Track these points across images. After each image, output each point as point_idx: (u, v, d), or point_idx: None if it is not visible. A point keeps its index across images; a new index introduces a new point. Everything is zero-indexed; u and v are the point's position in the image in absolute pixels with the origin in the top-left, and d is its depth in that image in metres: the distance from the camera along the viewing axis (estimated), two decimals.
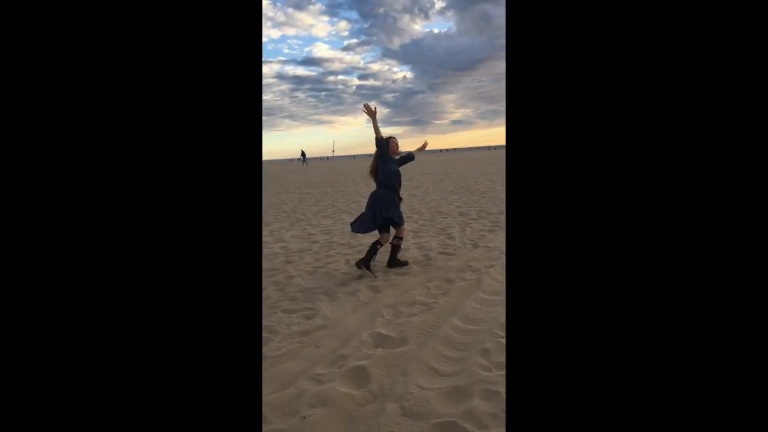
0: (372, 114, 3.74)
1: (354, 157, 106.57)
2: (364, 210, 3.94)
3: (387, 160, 3.83)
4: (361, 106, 3.78)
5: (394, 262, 4.05)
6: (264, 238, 5.81)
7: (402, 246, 4.17)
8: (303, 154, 30.79)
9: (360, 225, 3.83)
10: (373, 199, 3.82)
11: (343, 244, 5.37)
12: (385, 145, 3.84)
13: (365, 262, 3.80)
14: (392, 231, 4.00)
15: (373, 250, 3.83)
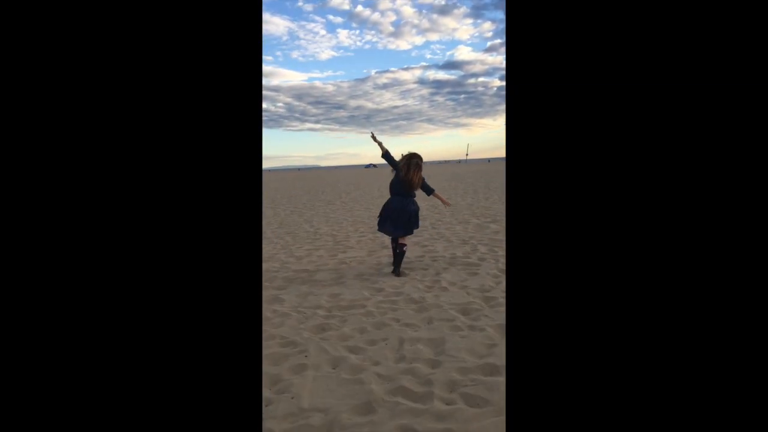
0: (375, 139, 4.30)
1: (489, 160, 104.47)
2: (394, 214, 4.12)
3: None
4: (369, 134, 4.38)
5: (399, 268, 4.17)
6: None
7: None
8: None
9: (388, 227, 4.13)
10: (408, 208, 4.07)
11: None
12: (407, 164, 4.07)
13: (396, 268, 4.10)
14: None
15: (400, 254, 4.10)
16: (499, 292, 3.40)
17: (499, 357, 2.31)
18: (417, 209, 4.13)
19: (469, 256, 4.71)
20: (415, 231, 4.31)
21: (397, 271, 4.08)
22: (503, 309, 3.05)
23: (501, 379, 2.08)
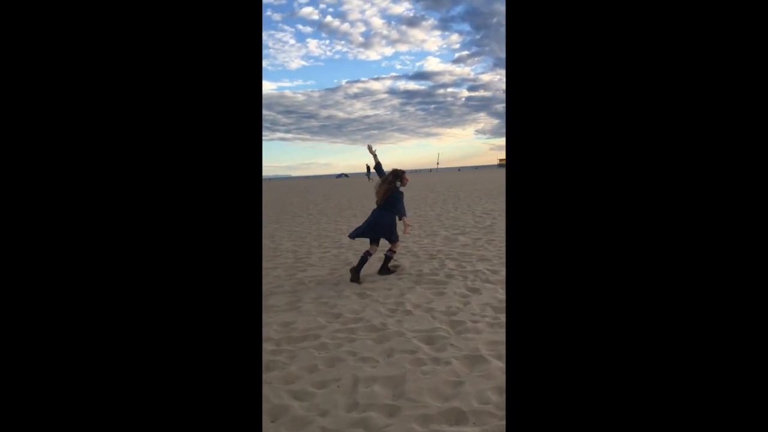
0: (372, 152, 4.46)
1: (459, 169, 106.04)
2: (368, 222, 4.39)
3: (401, 196, 4.33)
4: (366, 146, 4.55)
5: (386, 270, 4.47)
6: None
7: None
8: (368, 168, 30.88)
9: (365, 236, 4.35)
10: (377, 220, 4.29)
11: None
12: (397, 183, 4.31)
13: (355, 271, 4.27)
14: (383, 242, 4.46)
15: (363, 259, 4.30)
16: (467, 315, 3.12)
17: (465, 399, 2.01)
18: (389, 221, 4.27)
19: (436, 272, 4.44)
20: (384, 242, 4.47)
21: (356, 277, 4.25)
22: (471, 335, 2.77)
23: (468, 430, 1.79)
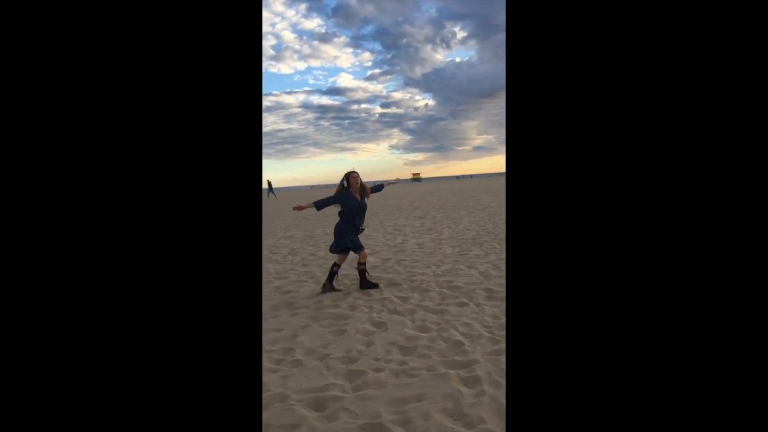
0: (300, 208, 4.36)
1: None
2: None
3: (346, 199, 4.20)
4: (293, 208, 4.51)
5: (366, 285, 4.28)
6: None
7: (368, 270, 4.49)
8: (269, 184, 29.61)
9: (337, 250, 4.28)
10: (338, 233, 4.26)
11: None
12: (344, 183, 4.27)
13: (328, 282, 4.26)
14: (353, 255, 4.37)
15: (331, 272, 4.29)
16: (368, 362, 2.58)
17: None
18: (339, 229, 4.25)
19: (337, 303, 3.86)
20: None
21: (326, 287, 4.24)
22: (371, 391, 2.23)
23: None
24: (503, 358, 2.51)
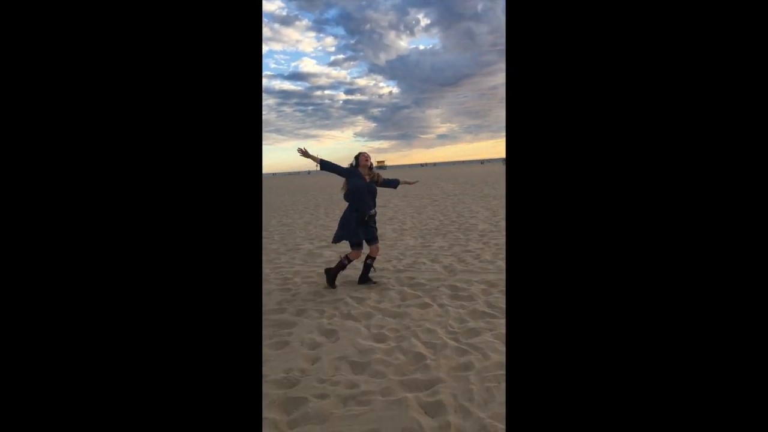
0: (305, 154, 3.72)
1: None
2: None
3: (353, 176, 3.77)
4: (297, 150, 3.77)
5: (364, 279, 3.92)
6: None
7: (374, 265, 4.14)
8: None
9: (337, 235, 3.85)
10: (342, 219, 3.83)
11: None
12: (354, 160, 3.86)
13: (331, 276, 3.86)
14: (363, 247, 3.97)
15: (340, 264, 3.85)
16: (310, 386, 2.13)
17: None
18: (350, 218, 3.76)
19: (283, 307, 3.37)
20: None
21: (329, 279, 3.85)
22: (310, 427, 1.78)
23: None
24: (471, 375, 2.14)
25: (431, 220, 7.74)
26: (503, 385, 2.03)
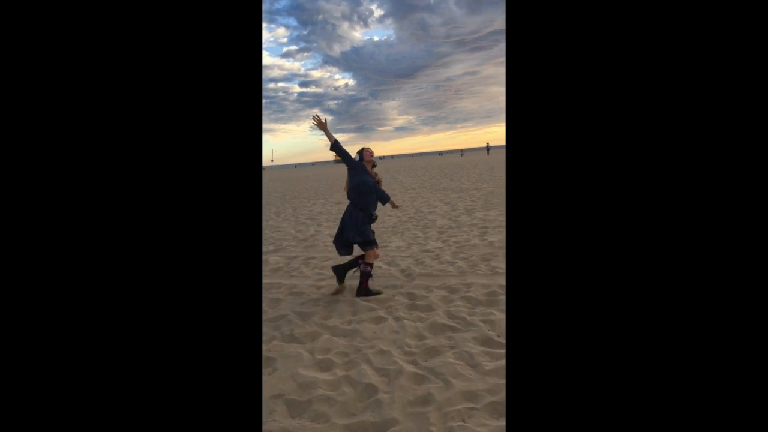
0: (322, 125, 3.35)
1: (295, 166, 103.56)
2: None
3: (359, 171, 3.39)
4: (311, 118, 3.42)
5: (363, 292, 3.36)
6: None
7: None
8: None
9: (340, 247, 3.43)
10: (342, 222, 3.40)
11: None
12: (358, 155, 3.50)
13: (365, 292, 3.35)
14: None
15: (365, 275, 3.37)
16: None
17: None
18: (355, 220, 3.33)
19: None
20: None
21: (361, 291, 3.33)
22: None
23: None
24: (431, 412, 1.79)
25: (388, 217, 7.40)
26: (469, 424, 1.71)
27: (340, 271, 3.45)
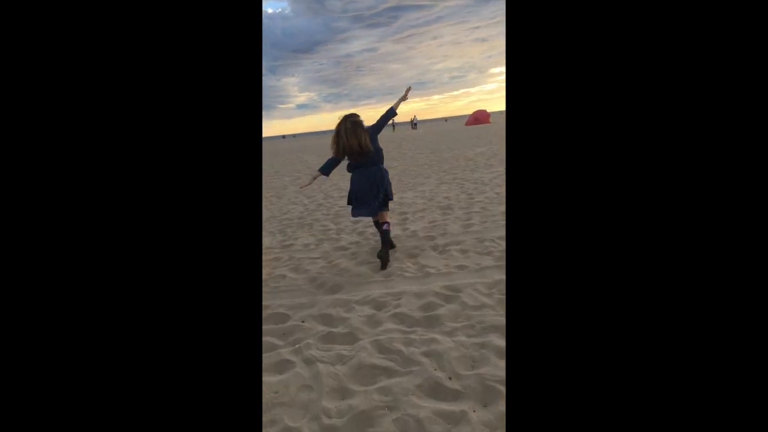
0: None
1: None
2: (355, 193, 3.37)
3: (376, 134, 3.39)
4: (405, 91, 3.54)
5: (387, 250, 3.26)
6: None
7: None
8: None
9: (366, 211, 3.32)
10: (361, 186, 3.29)
11: None
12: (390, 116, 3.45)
13: (386, 250, 3.25)
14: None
15: (386, 233, 3.31)
16: None
17: None
18: (383, 174, 3.31)
19: None
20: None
21: (384, 253, 3.21)
22: None
23: None
24: None
25: (294, 206, 6.45)
26: None
27: (386, 252, 3.25)
